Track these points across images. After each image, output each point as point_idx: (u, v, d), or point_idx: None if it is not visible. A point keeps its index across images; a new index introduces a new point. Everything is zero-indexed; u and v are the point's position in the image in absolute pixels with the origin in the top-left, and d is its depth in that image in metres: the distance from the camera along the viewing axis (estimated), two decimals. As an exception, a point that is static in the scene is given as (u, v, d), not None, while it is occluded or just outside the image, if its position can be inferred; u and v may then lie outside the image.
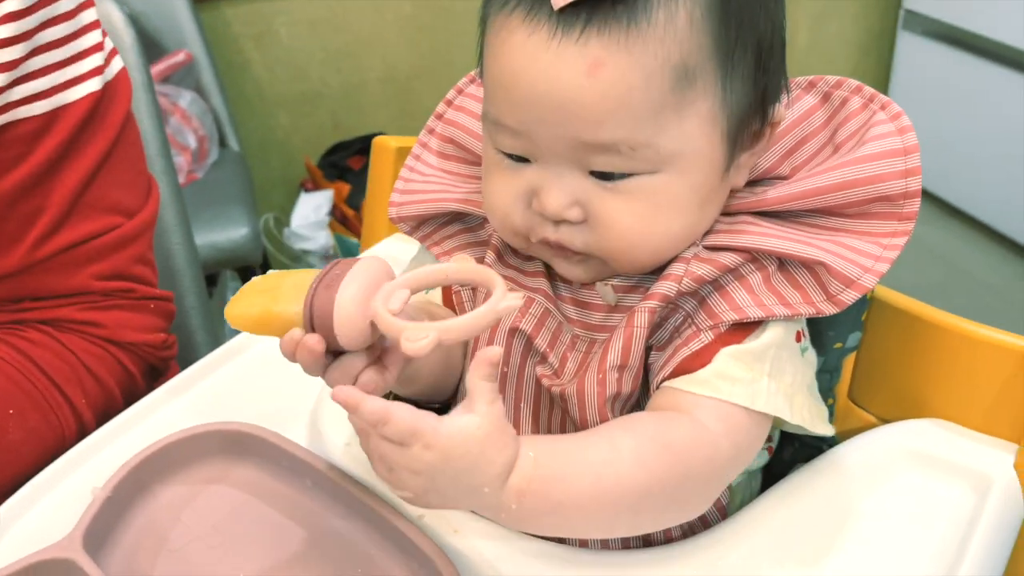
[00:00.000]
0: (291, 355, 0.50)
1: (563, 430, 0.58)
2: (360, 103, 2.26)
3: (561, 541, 0.57)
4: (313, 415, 0.65)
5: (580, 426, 0.56)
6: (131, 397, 0.74)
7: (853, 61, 2.61)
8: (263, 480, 0.62)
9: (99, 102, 0.75)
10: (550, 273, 0.60)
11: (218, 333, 1.10)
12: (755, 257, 0.55)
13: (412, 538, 0.55)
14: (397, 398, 0.65)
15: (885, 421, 0.67)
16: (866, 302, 0.64)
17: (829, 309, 0.53)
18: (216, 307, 1.68)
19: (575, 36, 0.48)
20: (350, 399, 0.46)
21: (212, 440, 0.63)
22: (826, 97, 0.59)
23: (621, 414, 0.56)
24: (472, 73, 0.66)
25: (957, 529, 0.56)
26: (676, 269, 0.54)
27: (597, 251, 0.54)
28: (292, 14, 2.11)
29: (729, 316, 0.54)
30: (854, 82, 0.59)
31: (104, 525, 0.57)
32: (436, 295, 0.64)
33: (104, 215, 0.77)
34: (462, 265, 0.50)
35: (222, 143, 1.88)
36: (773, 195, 0.56)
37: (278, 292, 0.50)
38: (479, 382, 0.46)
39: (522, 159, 0.54)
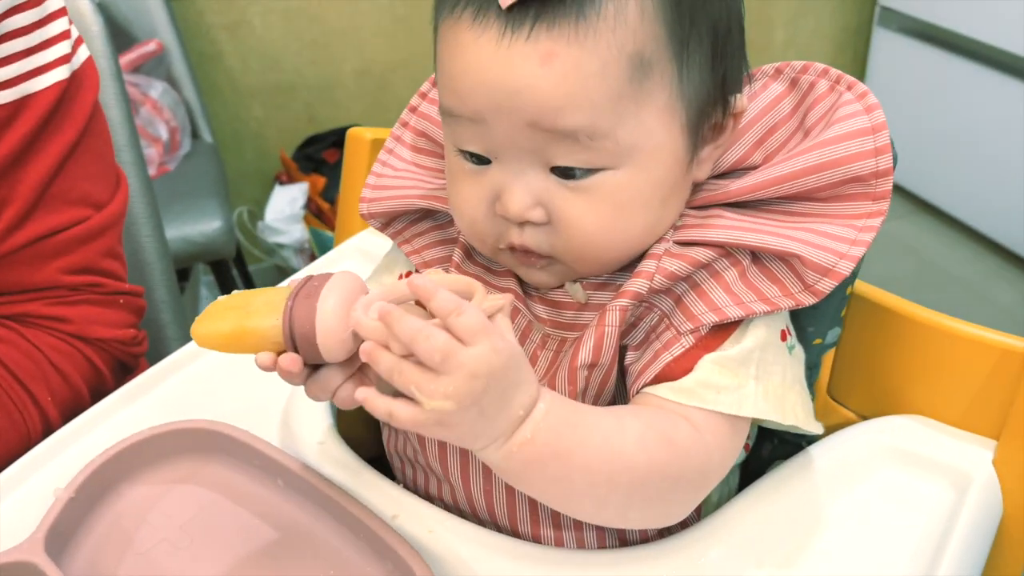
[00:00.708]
0: (264, 369, 0.49)
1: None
2: (335, 95, 2.25)
3: (537, 539, 0.57)
4: (285, 413, 0.65)
5: None
6: (99, 395, 0.72)
7: (829, 57, 2.63)
8: (233, 479, 0.61)
9: (66, 91, 0.73)
10: None
11: (189, 328, 1.08)
12: (729, 252, 0.54)
13: (386, 538, 0.54)
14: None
15: (864, 417, 0.66)
16: (846, 298, 0.64)
17: (808, 299, 0.52)
18: (188, 302, 1.66)
19: (525, 33, 0.48)
20: (426, 288, 0.44)
21: (180, 439, 0.62)
22: (794, 83, 0.59)
23: None
24: None
25: (936, 525, 0.56)
26: (647, 266, 0.54)
27: (562, 254, 0.53)
28: (266, 4, 2.09)
29: (709, 318, 0.53)
30: (820, 65, 0.58)
31: (67, 527, 0.56)
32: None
33: (72, 207, 0.75)
34: (438, 277, 0.49)
35: (194, 135, 1.86)
36: (744, 184, 0.55)
37: (249, 309, 0.49)
38: (503, 318, 0.47)
39: (483, 160, 0.53)
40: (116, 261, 0.81)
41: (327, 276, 0.49)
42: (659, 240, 0.55)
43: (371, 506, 0.56)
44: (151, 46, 1.79)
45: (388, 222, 0.65)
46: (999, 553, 0.60)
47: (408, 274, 0.64)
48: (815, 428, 0.56)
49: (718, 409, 0.51)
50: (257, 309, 0.49)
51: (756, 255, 0.54)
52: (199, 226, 1.57)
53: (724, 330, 0.53)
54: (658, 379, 0.53)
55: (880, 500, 0.58)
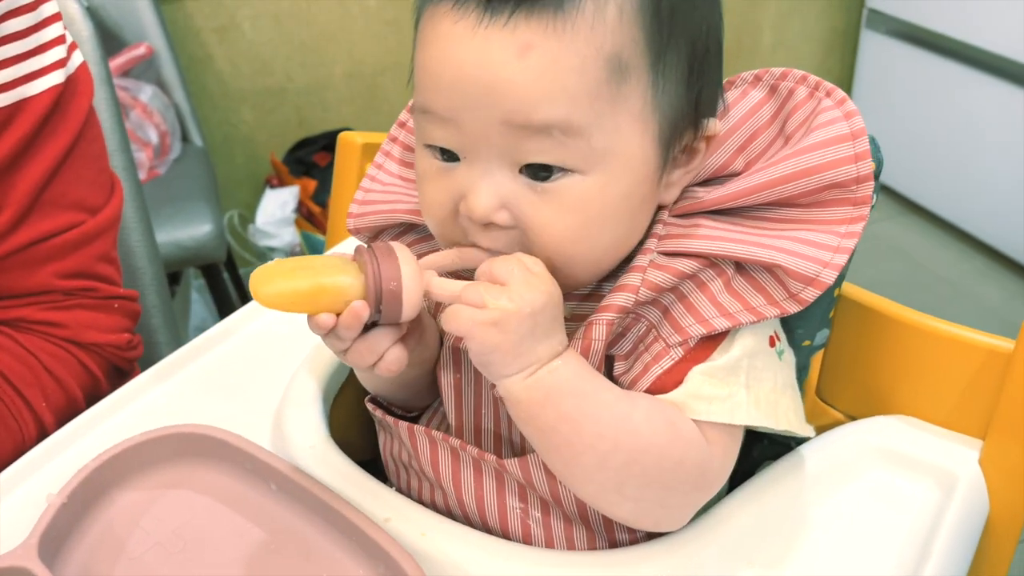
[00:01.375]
0: (325, 328, 0.50)
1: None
2: (325, 98, 2.25)
3: (527, 539, 0.57)
4: (277, 417, 0.65)
5: None
6: (94, 400, 0.72)
7: (817, 59, 2.64)
8: (225, 484, 0.61)
9: (61, 96, 0.73)
10: None
11: (179, 333, 1.08)
12: (713, 262, 0.54)
13: (379, 541, 0.54)
14: (373, 400, 0.64)
15: (852, 418, 0.67)
16: (834, 299, 0.65)
17: (793, 307, 0.53)
18: (179, 306, 1.66)
19: (503, 21, 0.48)
20: (478, 256, 0.52)
21: (173, 443, 0.62)
22: (773, 89, 0.59)
23: None
24: None
25: (923, 524, 0.56)
26: (632, 279, 0.53)
27: None
28: (256, 7, 2.09)
29: (697, 331, 0.53)
30: (799, 72, 0.58)
31: (60, 532, 0.56)
32: None
33: (66, 212, 0.75)
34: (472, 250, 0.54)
35: (185, 138, 1.86)
36: (727, 192, 0.55)
37: (315, 269, 0.51)
38: None
39: (453, 158, 0.52)
40: (111, 266, 0.81)
41: (385, 245, 0.51)
42: (643, 251, 0.55)
43: (363, 509, 0.56)
44: (141, 50, 1.79)
45: (374, 236, 0.65)
46: (985, 552, 0.61)
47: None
48: (807, 432, 0.56)
49: (711, 419, 0.52)
50: (323, 270, 0.51)
51: (740, 265, 0.54)
52: (189, 230, 1.57)
53: (712, 340, 0.54)
54: (649, 392, 0.53)
55: (868, 499, 0.58)
